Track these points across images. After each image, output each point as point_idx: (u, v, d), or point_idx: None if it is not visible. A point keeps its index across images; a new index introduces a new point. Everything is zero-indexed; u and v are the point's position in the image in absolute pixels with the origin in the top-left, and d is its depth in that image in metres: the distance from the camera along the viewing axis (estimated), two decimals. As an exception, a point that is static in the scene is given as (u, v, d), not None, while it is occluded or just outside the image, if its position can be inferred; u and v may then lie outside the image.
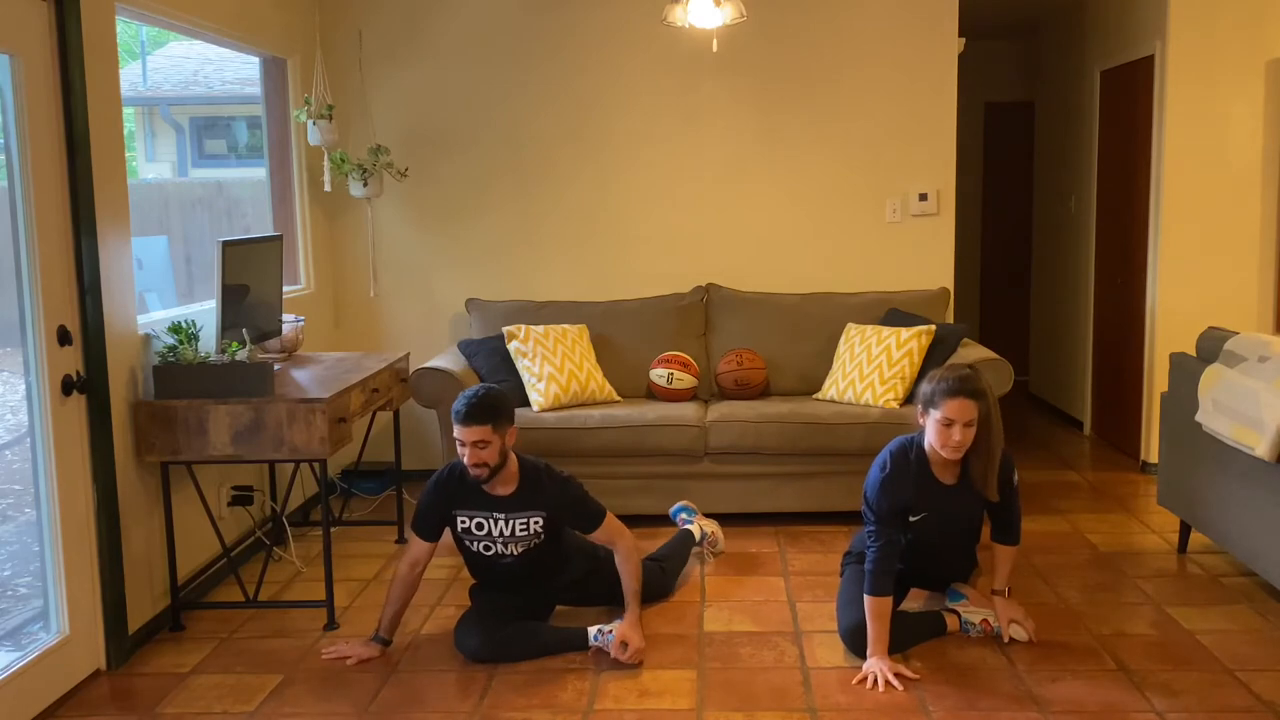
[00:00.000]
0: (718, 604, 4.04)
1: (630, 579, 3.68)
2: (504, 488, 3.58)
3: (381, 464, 5.57)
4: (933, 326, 5.08)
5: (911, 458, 3.51)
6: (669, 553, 4.25)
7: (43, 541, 3.35)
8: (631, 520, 4.90)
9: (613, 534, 3.71)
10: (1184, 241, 5.60)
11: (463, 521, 3.63)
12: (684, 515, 4.57)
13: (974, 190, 8.24)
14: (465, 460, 3.49)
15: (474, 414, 3.43)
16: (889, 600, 3.44)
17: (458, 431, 3.45)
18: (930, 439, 3.46)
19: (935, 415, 3.40)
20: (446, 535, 3.70)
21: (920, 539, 3.57)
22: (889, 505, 3.47)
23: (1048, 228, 7.59)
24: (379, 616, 3.73)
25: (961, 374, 3.42)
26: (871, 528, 3.49)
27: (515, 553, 3.64)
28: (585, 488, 3.73)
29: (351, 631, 3.84)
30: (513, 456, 3.59)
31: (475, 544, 3.65)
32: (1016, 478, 3.61)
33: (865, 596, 3.44)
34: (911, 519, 3.51)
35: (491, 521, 3.60)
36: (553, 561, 3.74)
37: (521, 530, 3.61)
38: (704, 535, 4.46)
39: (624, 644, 3.51)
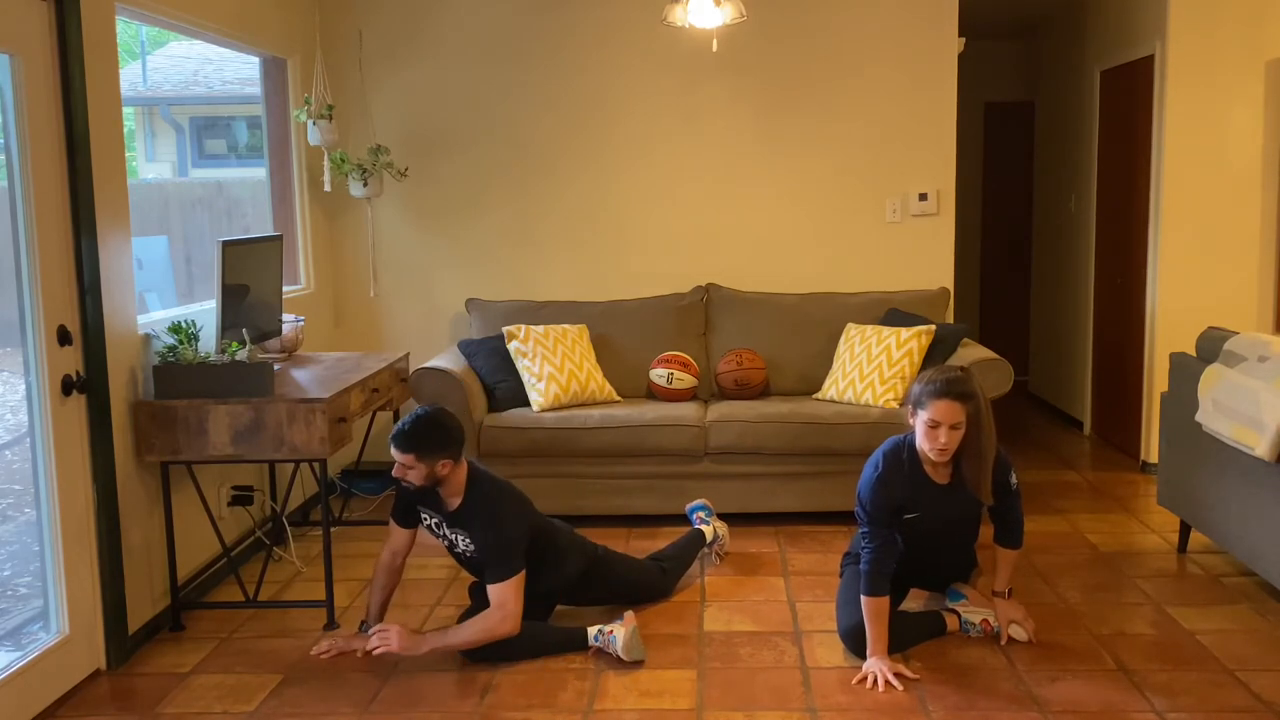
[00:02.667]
0: (718, 604, 4.04)
1: (464, 630, 3.47)
2: (452, 499, 3.58)
3: (381, 464, 5.54)
4: (933, 326, 5.08)
5: (904, 458, 3.51)
6: (674, 553, 4.24)
7: (43, 541, 3.35)
8: (632, 520, 4.94)
9: (497, 600, 3.46)
10: (1184, 241, 5.60)
11: (424, 518, 3.68)
12: (701, 514, 4.53)
13: (974, 190, 8.24)
14: (402, 476, 3.52)
15: (398, 439, 3.46)
16: (886, 600, 3.44)
17: (393, 452, 3.49)
18: (918, 440, 3.46)
19: (922, 416, 3.40)
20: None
21: (916, 538, 3.57)
22: (883, 505, 3.47)
23: (1048, 228, 7.59)
24: (366, 606, 3.76)
25: (950, 375, 3.41)
26: (866, 529, 3.49)
27: (471, 557, 3.65)
28: (513, 537, 3.51)
29: (352, 632, 3.83)
30: (460, 475, 3.55)
31: (438, 537, 3.69)
32: (1015, 480, 3.60)
33: (862, 597, 3.44)
34: (906, 518, 3.51)
35: (443, 525, 3.64)
36: (539, 566, 3.72)
37: (463, 543, 3.61)
38: (716, 537, 4.46)
39: (383, 634, 3.46)
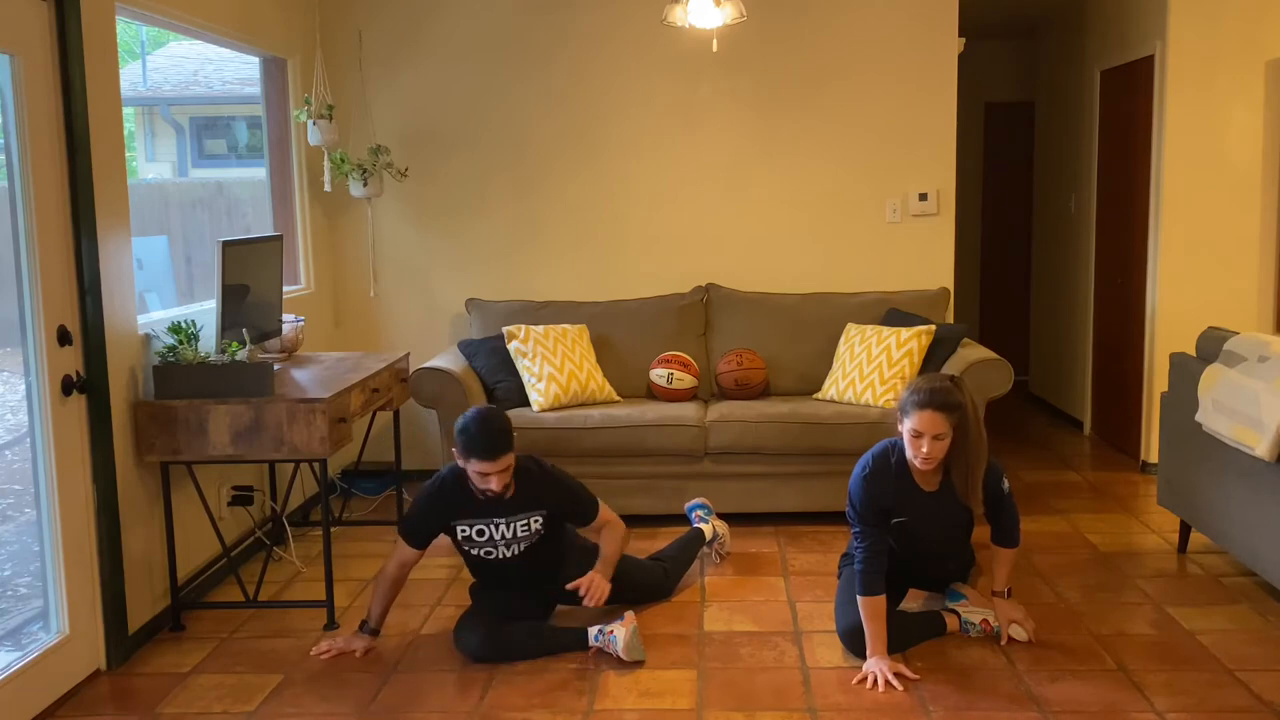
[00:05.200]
0: (718, 604, 4.04)
1: (611, 544, 3.79)
2: (506, 491, 3.58)
3: (381, 464, 5.57)
4: (933, 326, 5.08)
5: (892, 461, 3.51)
6: (674, 553, 4.24)
7: (43, 541, 3.35)
8: (631, 520, 4.91)
9: (605, 520, 3.81)
10: (1184, 241, 5.60)
11: (463, 530, 3.63)
12: (700, 512, 4.54)
13: (974, 190, 8.24)
14: (490, 487, 3.48)
15: (500, 446, 3.44)
16: (882, 599, 3.44)
17: (482, 466, 3.43)
18: (905, 448, 3.46)
19: (907, 425, 3.40)
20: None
21: (907, 542, 3.57)
22: (870, 504, 3.48)
23: (1048, 228, 7.59)
24: (367, 608, 3.76)
25: (935, 385, 3.40)
26: (857, 529, 3.49)
27: (517, 553, 3.64)
28: (577, 482, 3.79)
29: (351, 632, 3.83)
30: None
31: (476, 550, 3.66)
32: (1007, 484, 3.60)
33: (858, 597, 3.44)
34: (893, 522, 3.51)
35: (492, 527, 3.61)
36: (552, 557, 3.74)
37: (523, 531, 3.62)
38: (716, 536, 4.46)
39: (588, 588, 3.65)
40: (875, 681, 3.33)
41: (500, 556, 3.65)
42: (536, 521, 3.63)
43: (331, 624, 3.91)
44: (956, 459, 3.44)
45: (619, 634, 3.53)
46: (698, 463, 4.91)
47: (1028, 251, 8.13)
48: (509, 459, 3.48)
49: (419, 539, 3.66)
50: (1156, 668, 3.43)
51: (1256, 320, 5.55)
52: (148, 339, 3.84)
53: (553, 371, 5.05)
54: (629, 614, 3.64)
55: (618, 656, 3.53)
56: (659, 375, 5.23)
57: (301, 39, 5.44)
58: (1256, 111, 5.49)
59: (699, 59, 5.60)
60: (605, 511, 3.82)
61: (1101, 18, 6.43)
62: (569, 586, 3.66)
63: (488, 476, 3.46)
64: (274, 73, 5.34)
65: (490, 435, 3.44)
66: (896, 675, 3.33)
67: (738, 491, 4.92)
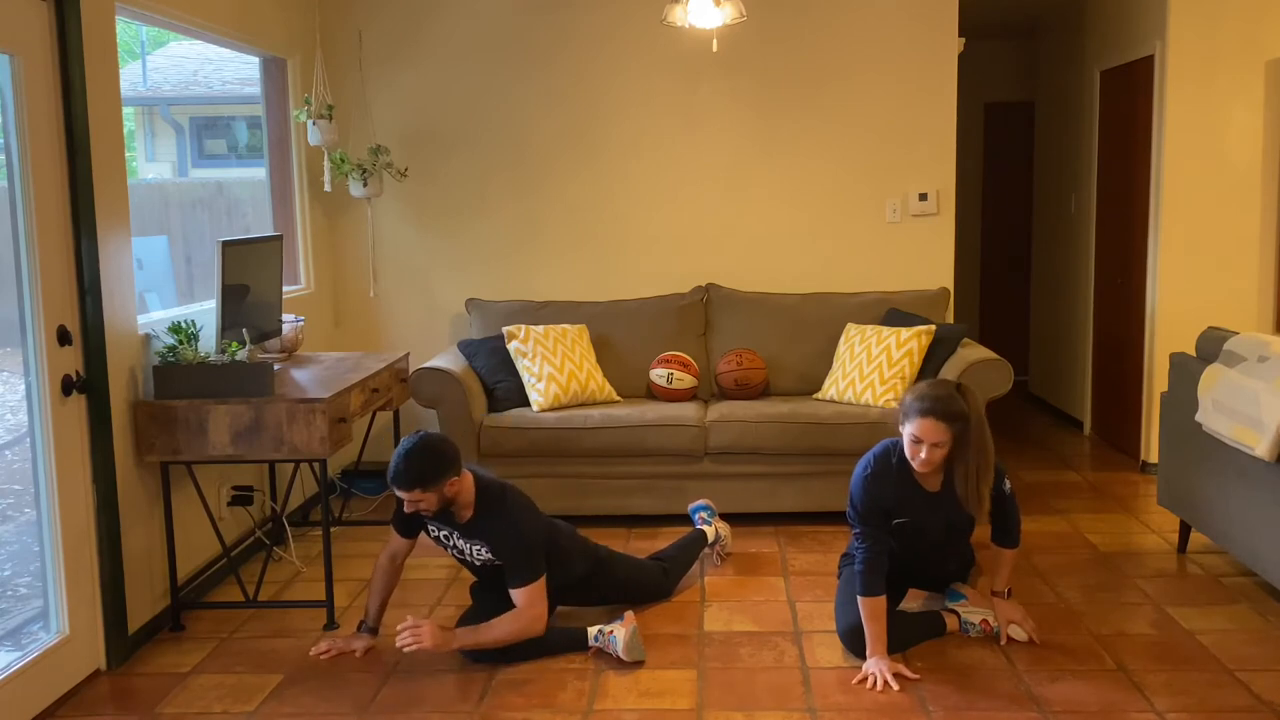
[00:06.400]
0: (718, 604, 4.04)
1: (495, 629, 3.47)
2: (463, 512, 3.56)
3: (381, 464, 5.51)
4: (932, 326, 5.08)
5: (893, 462, 3.50)
6: (675, 553, 4.24)
7: (43, 541, 3.35)
8: (631, 520, 4.94)
9: (525, 602, 3.49)
10: (1184, 241, 5.60)
11: (431, 530, 3.67)
12: (703, 514, 4.52)
13: (974, 190, 8.24)
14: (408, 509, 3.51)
15: (401, 480, 3.41)
16: (883, 600, 3.44)
17: (394, 489, 3.46)
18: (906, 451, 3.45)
19: (907, 430, 3.39)
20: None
21: (908, 543, 3.57)
22: (872, 505, 3.47)
23: (1047, 228, 7.59)
24: (365, 607, 3.77)
25: (939, 394, 3.38)
26: (858, 529, 3.49)
27: (486, 565, 3.65)
28: (534, 542, 3.55)
29: (351, 632, 3.83)
30: (468, 487, 3.53)
31: (447, 548, 3.69)
32: (1009, 485, 3.59)
33: (858, 598, 3.44)
34: (895, 522, 3.51)
35: (454, 536, 3.62)
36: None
37: (478, 553, 3.61)
38: (719, 538, 4.45)
39: (412, 629, 3.40)
40: (875, 681, 3.33)
41: (470, 562, 3.66)
42: (485, 551, 3.59)
43: (331, 624, 3.91)
44: (958, 467, 3.43)
45: (619, 634, 3.53)
46: (698, 463, 4.91)
47: (1028, 251, 8.13)
48: (419, 495, 3.41)
49: (402, 527, 3.69)
50: (1156, 668, 3.43)
51: (1256, 320, 5.55)
52: (148, 339, 3.84)
53: (553, 371, 5.05)
54: (629, 614, 3.64)
55: (618, 657, 3.53)
56: (659, 375, 5.23)
57: (301, 39, 5.44)
58: (1256, 111, 5.49)
59: (699, 59, 5.60)
60: (531, 597, 3.48)
61: (1101, 18, 6.43)
62: (398, 630, 3.44)
63: (408, 502, 3.48)
64: (274, 73, 5.34)
65: (400, 466, 3.41)
66: (896, 675, 3.34)
67: (738, 491, 4.92)
